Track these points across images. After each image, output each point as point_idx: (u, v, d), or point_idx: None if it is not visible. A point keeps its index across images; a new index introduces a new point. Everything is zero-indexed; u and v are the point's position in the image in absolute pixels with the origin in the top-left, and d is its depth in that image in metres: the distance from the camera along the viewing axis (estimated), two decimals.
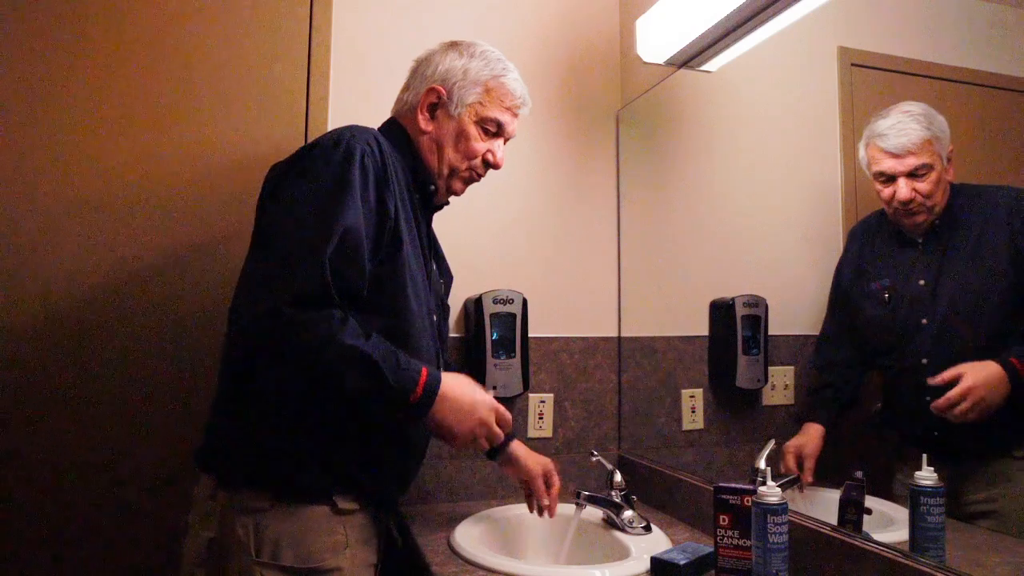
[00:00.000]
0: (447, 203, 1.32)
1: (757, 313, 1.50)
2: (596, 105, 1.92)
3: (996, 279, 1.09)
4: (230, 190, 1.59)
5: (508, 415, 1.14)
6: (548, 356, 1.80)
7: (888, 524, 1.09)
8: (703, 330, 1.61)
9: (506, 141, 1.28)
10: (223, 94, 1.61)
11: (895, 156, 1.16)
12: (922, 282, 1.20)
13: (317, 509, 1.05)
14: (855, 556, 1.05)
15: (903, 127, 1.15)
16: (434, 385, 1.03)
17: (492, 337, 1.67)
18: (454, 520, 1.43)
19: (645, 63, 1.72)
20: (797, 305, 1.41)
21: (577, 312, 1.85)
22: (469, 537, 1.32)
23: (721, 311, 1.56)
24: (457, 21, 1.80)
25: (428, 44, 1.22)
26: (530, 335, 1.73)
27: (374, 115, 1.31)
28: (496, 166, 1.26)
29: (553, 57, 1.88)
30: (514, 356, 1.68)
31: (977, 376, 1.05)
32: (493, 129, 1.24)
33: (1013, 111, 1.02)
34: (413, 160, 1.22)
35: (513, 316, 1.69)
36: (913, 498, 0.98)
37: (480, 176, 1.27)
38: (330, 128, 1.53)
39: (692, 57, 1.61)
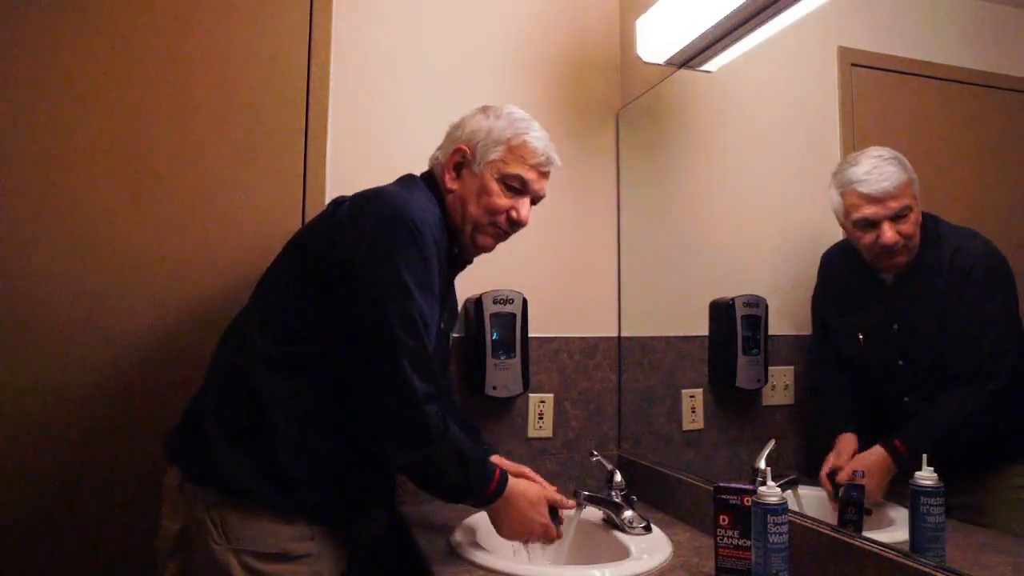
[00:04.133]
0: (470, 262, 1.36)
1: (757, 313, 1.50)
2: (596, 105, 1.92)
3: (971, 320, 1.10)
4: (223, 192, 1.60)
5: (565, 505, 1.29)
6: (548, 356, 1.80)
7: (888, 524, 1.09)
8: (703, 330, 1.61)
9: (535, 201, 1.31)
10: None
11: (878, 201, 1.14)
12: (895, 326, 1.20)
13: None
14: (855, 556, 1.05)
15: (882, 171, 1.14)
16: (503, 484, 1.19)
17: (492, 337, 1.67)
18: (454, 520, 1.43)
19: (645, 63, 1.72)
20: (797, 305, 1.41)
21: (577, 312, 1.85)
22: (469, 537, 1.32)
23: (721, 311, 1.56)
24: (457, 22, 1.80)
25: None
26: (530, 335, 1.73)
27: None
28: (520, 223, 1.29)
29: (553, 57, 1.88)
30: (514, 356, 1.68)
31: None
32: (517, 186, 1.26)
33: (1013, 111, 1.02)
34: (445, 216, 1.26)
35: (513, 316, 1.69)
36: (913, 498, 0.98)
37: (505, 232, 1.30)
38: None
39: (692, 57, 1.61)
